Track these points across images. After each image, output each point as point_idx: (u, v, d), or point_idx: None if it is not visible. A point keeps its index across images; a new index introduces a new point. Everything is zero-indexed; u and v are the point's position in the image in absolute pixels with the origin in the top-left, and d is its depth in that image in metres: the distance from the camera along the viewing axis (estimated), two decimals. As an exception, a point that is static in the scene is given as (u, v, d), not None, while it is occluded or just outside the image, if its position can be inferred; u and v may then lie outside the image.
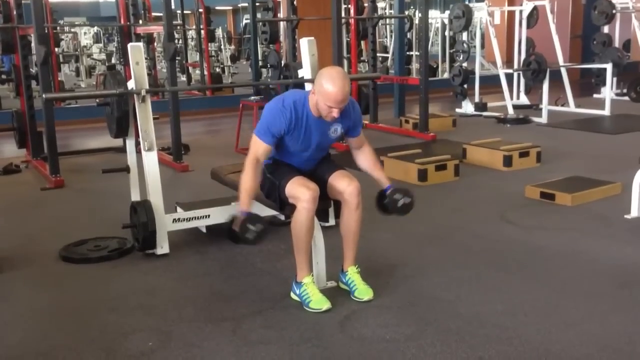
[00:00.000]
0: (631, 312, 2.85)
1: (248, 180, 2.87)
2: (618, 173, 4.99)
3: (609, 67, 8.80)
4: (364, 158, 3.18)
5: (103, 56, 16.00)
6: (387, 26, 15.15)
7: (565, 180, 4.91)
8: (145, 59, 4.14)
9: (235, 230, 2.75)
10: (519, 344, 2.58)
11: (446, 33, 13.08)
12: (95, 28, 19.26)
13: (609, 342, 2.58)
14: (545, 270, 3.37)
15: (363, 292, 3.02)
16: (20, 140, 6.45)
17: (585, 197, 4.53)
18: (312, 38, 4.28)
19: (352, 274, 3.08)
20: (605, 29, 10.31)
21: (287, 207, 3.02)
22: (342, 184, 3.01)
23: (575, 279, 3.24)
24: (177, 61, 10.03)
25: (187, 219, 3.86)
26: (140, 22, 7.47)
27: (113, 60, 14.63)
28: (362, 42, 10.12)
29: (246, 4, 13.79)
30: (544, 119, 8.05)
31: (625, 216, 4.14)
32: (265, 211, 3.50)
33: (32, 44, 6.08)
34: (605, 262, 3.44)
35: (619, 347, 2.55)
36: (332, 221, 3.96)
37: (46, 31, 6.41)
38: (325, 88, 2.81)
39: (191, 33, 16.20)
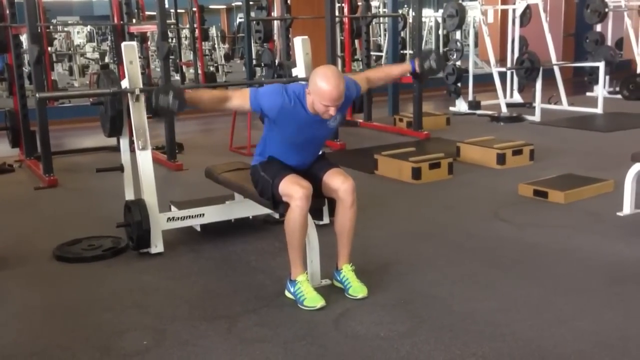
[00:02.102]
0: (623, 308, 2.87)
1: (207, 92, 3.16)
2: (610, 170, 5.01)
3: (601, 65, 8.83)
4: (374, 76, 3.36)
5: (96, 55, 15.93)
6: (381, 25, 15.17)
7: (558, 178, 4.93)
8: (139, 58, 4.13)
9: (152, 100, 2.98)
10: (512, 341, 2.59)
11: (440, 32, 13.13)
12: (89, 27, 19.17)
13: (601, 338, 2.60)
14: (538, 268, 3.39)
15: (357, 289, 3.03)
16: (14, 139, 6.44)
17: (578, 195, 4.55)
18: (306, 37, 4.29)
19: (347, 272, 3.09)
20: (598, 28, 10.34)
21: (280, 205, 3.03)
22: (337, 181, 3.02)
23: (568, 276, 3.26)
24: (170, 60, 9.98)
25: (181, 218, 3.86)
26: (134, 21, 7.46)
27: (106, 59, 14.60)
28: (356, 41, 10.13)
29: (240, 3, 13.76)
30: (537, 117, 8.08)
31: (618, 213, 4.15)
32: (260, 209, 3.51)
33: (25, 43, 6.07)
34: (598, 259, 3.46)
35: (611, 343, 2.56)
36: (326, 219, 3.97)
37: (39, 30, 6.40)
38: (320, 87, 2.81)
39: (185, 32, 16.16)
